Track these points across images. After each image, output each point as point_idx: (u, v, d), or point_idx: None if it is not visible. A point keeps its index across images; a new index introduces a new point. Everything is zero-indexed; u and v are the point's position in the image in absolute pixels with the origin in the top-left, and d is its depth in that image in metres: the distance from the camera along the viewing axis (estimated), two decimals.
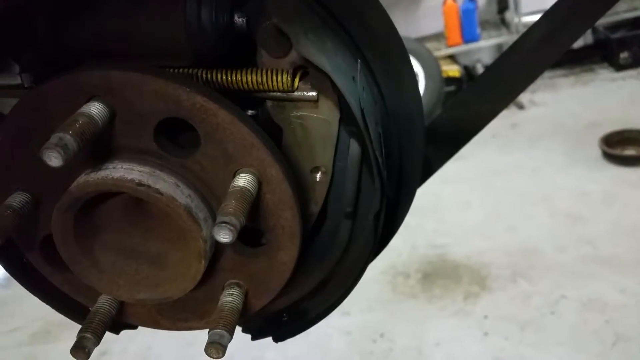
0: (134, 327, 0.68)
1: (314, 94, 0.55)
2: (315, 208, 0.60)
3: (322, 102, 0.55)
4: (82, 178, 0.52)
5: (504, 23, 4.76)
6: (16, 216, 0.54)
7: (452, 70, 4.66)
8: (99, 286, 0.59)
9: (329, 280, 0.65)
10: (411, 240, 3.08)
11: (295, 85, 0.55)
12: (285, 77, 0.53)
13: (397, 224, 0.72)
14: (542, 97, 4.42)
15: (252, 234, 0.58)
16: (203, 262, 0.54)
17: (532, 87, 4.64)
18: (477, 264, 2.75)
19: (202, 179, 0.54)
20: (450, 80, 4.53)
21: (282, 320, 0.70)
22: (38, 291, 0.67)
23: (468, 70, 4.70)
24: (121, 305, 0.62)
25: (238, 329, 0.67)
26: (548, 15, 0.79)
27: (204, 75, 0.54)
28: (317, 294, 0.66)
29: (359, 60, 0.57)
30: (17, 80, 0.56)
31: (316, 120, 0.56)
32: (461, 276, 2.72)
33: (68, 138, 0.45)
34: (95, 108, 0.49)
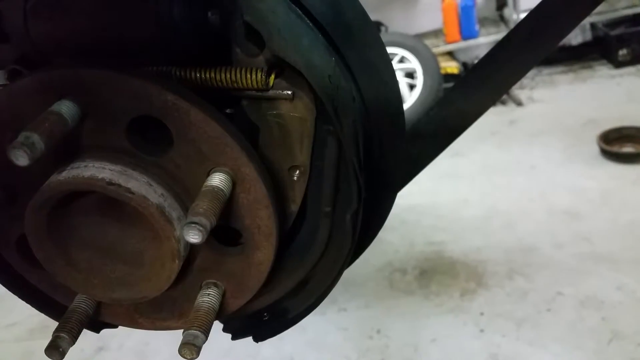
0: (114, 326, 0.68)
1: (289, 92, 0.54)
2: (294, 207, 0.59)
3: (298, 100, 0.55)
4: (53, 177, 0.51)
5: (502, 20, 4.75)
6: None
7: (451, 66, 4.66)
8: (74, 285, 0.58)
9: (309, 280, 0.65)
10: (409, 237, 3.08)
11: (270, 83, 0.54)
12: (259, 75, 0.53)
13: (379, 224, 0.71)
14: (540, 93, 4.40)
15: (229, 233, 0.57)
16: (177, 261, 0.54)
17: (530, 83, 4.64)
18: (474, 260, 2.75)
19: (175, 177, 0.53)
20: (449, 76, 4.53)
21: (263, 319, 0.69)
22: (16, 289, 0.66)
23: (467, 67, 4.69)
24: (99, 304, 0.62)
25: (219, 327, 0.67)
26: (535, 12, 0.79)
27: (177, 73, 0.53)
28: (297, 294, 0.66)
29: (333, 58, 0.56)
30: None
31: (292, 118, 0.55)
32: (458, 273, 2.72)
33: (35, 137, 0.44)
34: (65, 107, 0.48)
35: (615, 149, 3.27)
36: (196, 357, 0.53)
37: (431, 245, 2.97)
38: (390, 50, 4.35)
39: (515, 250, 2.71)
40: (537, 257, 2.63)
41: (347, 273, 2.37)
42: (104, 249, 0.58)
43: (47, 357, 0.56)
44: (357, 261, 2.69)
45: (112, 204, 0.54)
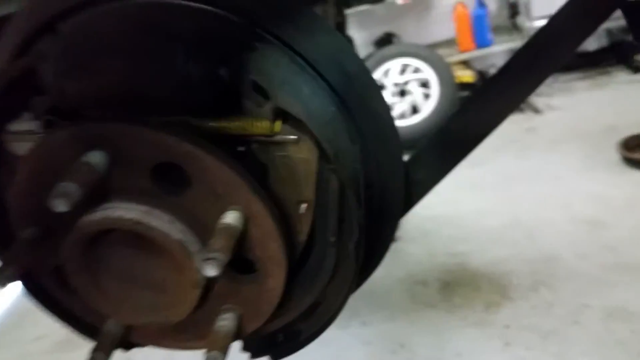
0: (143, 345, 0.73)
1: (293, 137, 0.60)
2: (302, 237, 0.65)
3: (302, 143, 0.60)
4: (87, 217, 0.57)
5: (516, 28, 4.74)
6: (30, 249, 0.59)
7: (466, 75, 4.66)
8: (107, 311, 0.65)
9: (319, 304, 0.71)
10: (429, 248, 3.07)
11: (276, 129, 0.60)
12: (265, 123, 0.59)
13: (383, 250, 0.79)
14: (558, 101, 4.37)
15: (244, 262, 0.63)
16: (197, 290, 0.61)
17: (547, 91, 4.61)
18: (497, 272, 2.73)
19: (194, 215, 0.59)
20: (464, 85, 4.53)
21: (278, 340, 0.76)
22: (54, 311, 0.74)
23: (482, 75, 4.69)
24: (129, 327, 0.67)
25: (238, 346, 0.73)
26: (549, 24, 0.81)
27: (194, 123, 0.59)
28: (309, 316, 0.72)
29: (333, 108, 0.63)
30: (29, 127, 0.60)
31: (298, 159, 0.61)
32: (481, 285, 2.70)
33: (72, 186, 0.50)
34: (95, 157, 0.54)
35: (637, 156, 3.23)
36: None
37: (453, 256, 2.95)
38: (404, 60, 4.38)
39: (539, 261, 2.69)
40: (561, 268, 2.60)
41: (369, 285, 2.36)
42: (132, 278, 0.64)
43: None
44: (379, 273, 2.68)
45: (139, 239, 0.59)
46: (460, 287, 2.72)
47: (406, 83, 4.40)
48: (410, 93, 4.38)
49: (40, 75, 0.59)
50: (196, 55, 0.56)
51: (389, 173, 0.73)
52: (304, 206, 0.64)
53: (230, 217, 0.57)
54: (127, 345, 0.76)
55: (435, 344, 2.43)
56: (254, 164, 0.62)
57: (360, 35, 5.10)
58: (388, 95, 4.41)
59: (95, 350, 0.66)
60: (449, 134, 0.87)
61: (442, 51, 4.75)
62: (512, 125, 4.22)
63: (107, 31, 0.60)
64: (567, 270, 2.58)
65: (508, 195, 3.31)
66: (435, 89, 4.28)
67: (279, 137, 0.60)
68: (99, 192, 0.58)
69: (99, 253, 0.62)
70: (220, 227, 0.56)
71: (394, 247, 3.07)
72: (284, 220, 0.63)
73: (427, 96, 4.33)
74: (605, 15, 0.80)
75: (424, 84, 4.36)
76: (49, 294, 0.71)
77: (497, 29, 4.84)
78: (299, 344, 0.76)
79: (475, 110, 0.86)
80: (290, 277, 0.66)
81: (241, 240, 0.59)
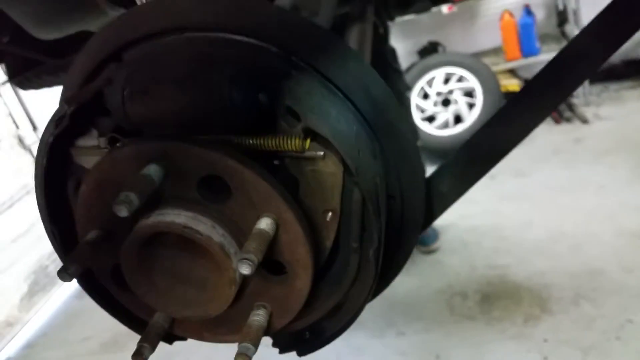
0: (184, 339, 0.81)
1: (321, 153, 0.67)
2: (328, 244, 0.70)
3: (328, 158, 0.67)
4: (143, 222, 0.65)
5: (564, 36, 4.64)
6: (92, 249, 0.67)
7: (512, 84, 4.60)
8: (156, 305, 0.73)
9: (342, 304, 0.76)
10: (470, 260, 3.05)
11: (306, 147, 0.66)
12: (297, 141, 0.66)
13: (403, 258, 0.82)
14: (607, 110, 4.25)
15: (276, 264, 0.69)
16: (234, 287, 0.67)
17: (597, 100, 4.49)
18: (539, 285, 2.69)
19: (233, 221, 0.66)
20: (510, 94, 4.47)
21: (305, 337, 0.81)
22: (108, 308, 0.82)
23: None
24: (173, 320, 0.76)
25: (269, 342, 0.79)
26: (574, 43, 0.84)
27: (236, 141, 0.67)
28: (333, 316, 0.77)
29: (355, 127, 0.69)
30: (96, 142, 0.69)
31: (325, 172, 0.68)
32: (522, 298, 2.66)
33: (133, 195, 0.58)
34: (153, 170, 0.63)
35: None
36: None
37: (493, 268, 2.93)
38: (448, 69, 4.37)
39: (582, 275, 2.63)
40: (605, 282, 2.54)
41: (406, 296, 2.39)
42: (179, 276, 0.71)
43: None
44: (417, 284, 2.70)
45: (186, 241, 0.66)
46: (499, 300, 2.70)
47: (450, 92, 4.38)
48: (454, 102, 4.36)
49: (106, 98, 0.67)
50: (239, 82, 0.63)
51: (410, 187, 0.77)
52: (330, 215, 0.69)
53: (264, 224, 0.64)
54: (171, 338, 0.83)
55: (472, 357, 2.42)
56: (287, 176, 0.69)
57: (405, 44, 5.11)
58: (430, 105, 4.41)
59: (142, 341, 0.72)
60: (473, 148, 0.91)
61: (488, 60, 4.70)
62: (559, 136, 4.13)
63: (164, 61, 0.69)
64: (611, 284, 2.52)
65: (552, 206, 3.25)
66: (479, 98, 4.24)
67: (308, 154, 0.67)
68: (154, 200, 0.66)
69: (151, 253, 0.69)
70: (255, 232, 0.63)
71: (433, 258, 3.08)
72: (312, 227, 0.68)
73: (471, 105, 4.29)
74: (631, 33, 0.82)
75: (469, 93, 4.33)
76: (105, 291, 0.79)
77: (545, 37, 4.75)
78: (323, 341, 0.81)
79: (499, 127, 0.89)
80: (317, 279, 0.72)
81: (273, 244, 0.65)
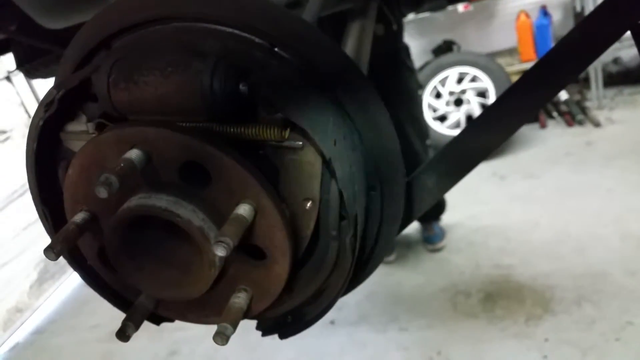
0: (171, 320, 0.84)
1: (299, 143, 0.68)
2: (308, 232, 0.72)
3: (307, 148, 0.68)
4: (125, 205, 0.67)
5: None
6: (78, 230, 0.70)
7: None
8: (140, 285, 0.75)
9: (323, 290, 0.78)
10: (475, 259, 3.06)
11: (285, 136, 0.67)
12: (276, 130, 0.67)
13: (383, 248, 0.83)
14: (620, 114, 4.21)
15: (257, 250, 0.71)
16: (213, 270, 0.69)
17: (610, 104, 4.45)
18: (542, 285, 2.69)
19: (213, 206, 0.68)
20: None
21: (287, 321, 0.83)
22: (96, 288, 0.85)
23: None
24: (158, 302, 0.77)
25: (252, 325, 0.81)
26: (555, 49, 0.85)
27: (216, 129, 0.68)
28: (314, 301, 0.79)
29: (330, 118, 0.70)
30: (84, 128, 0.73)
31: (303, 162, 0.69)
32: (525, 298, 2.67)
33: (113, 178, 0.60)
34: (134, 154, 0.65)
35: None
36: (225, 344, 0.66)
37: (498, 268, 2.94)
38: (461, 69, 4.36)
39: (585, 276, 2.63)
40: (608, 285, 2.53)
41: (411, 293, 2.41)
42: (163, 258, 0.74)
43: (118, 340, 0.72)
44: (422, 281, 2.73)
45: (169, 225, 0.68)
46: (502, 299, 2.71)
47: (463, 92, 4.37)
48: (467, 102, 4.35)
49: (93, 85, 0.69)
50: (221, 71, 0.65)
51: (389, 179, 0.78)
52: (309, 204, 0.70)
53: (242, 209, 0.65)
54: (157, 319, 0.85)
55: (473, 353, 2.44)
56: (267, 165, 0.70)
57: (420, 42, 5.10)
58: (443, 104, 4.41)
59: (127, 319, 0.74)
60: (458, 146, 0.93)
61: (502, 60, 4.68)
62: (570, 138, 4.10)
63: (149, 49, 0.71)
64: (613, 286, 2.51)
65: (559, 208, 3.24)
66: (492, 99, 4.22)
67: (287, 143, 0.68)
68: (136, 184, 0.68)
69: (136, 236, 0.72)
70: (232, 217, 0.64)
71: (439, 257, 3.11)
72: (292, 215, 0.70)
73: (483, 106, 4.28)
74: (613, 39, 0.83)
75: (481, 94, 4.32)
76: (93, 271, 0.82)
77: None
78: (303, 325, 0.83)
79: (483, 128, 0.92)
80: (298, 266, 0.73)
81: (251, 230, 0.67)
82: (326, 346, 2.67)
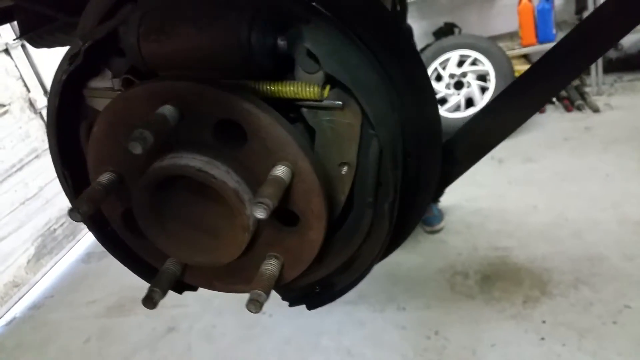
0: (194, 289, 0.81)
1: (339, 102, 0.65)
2: (343, 197, 0.69)
3: (347, 109, 0.65)
4: (156, 164, 0.65)
5: None
6: (104, 190, 0.67)
7: (525, 69, 4.55)
8: (167, 249, 0.72)
9: (354, 260, 0.75)
10: (472, 241, 3.07)
11: (325, 95, 0.65)
12: (315, 88, 0.64)
13: (415, 220, 0.81)
14: (619, 100, 4.21)
15: (289, 216, 0.68)
16: (247, 234, 0.66)
17: (609, 90, 4.45)
18: (539, 268, 2.71)
19: (248, 167, 0.65)
20: None
21: (315, 291, 0.81)
22: (118, 254, 0.82)
23: None
24: (184, 268, 0.75)
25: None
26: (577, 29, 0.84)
27: (253, 86, 0.65)
28: (345, 271, 0.77)
29: (374, 76, 0.66)
30: (109, 84, 0.69)
31: (342, 124, 0.66)
32: (522, 280, 2.68)
33: (147, 133, 0.57)
34: (167, 110, 0.62)
35: None
36: (259, 311, 0.64)
37: (495, 250, 2.95)
38: (462, 52, 4.32)
39: (583, 260, 2.65)
40: (605, 268, 2.55)
41: (409, 273, 2.42)
42: (192, 221, 0.71)
43: (144, 307, 0.69)
44: (420, 262, 2.73)
45: (200, 186, 0.66)
46: (500, 281, 2.72)
47: (463, 75, 4.34)
48: (467, 85, 4.33)
49: (121, 38, 0.66)
50: (258, 24, 0.61)
51: (427, 144, 0.75)
52: (345, 168, 0.67)
53: (280, 171, 0.62)
54: (182, 287, 0.83)
55: (470, 334, 2.46)
56: (304, 126, 0.67)
57: (421, 24, 5.05)
58: (443, 87, 4.39)
59: (153, 285, 0.72)
60: (490, 116, 0.91)
61: (503, 44, 4.64)
62: (569, 123, 4.10)
63: (182, 1, 0.66)
64: (611, 270, 2.54)
65: (558, 192, 3.25)
66: (492, 82, 4.20)
67: (326, 103, 0.65)
68: (168, 143, 0.65)
69: (164, 198, 0.69)
70: (270, 178, 0.62)
71: (437, 238, 3.11)
72: (327, 180, 0.67)
73: (484, 90, 4.26)
74: (626, 30, 0.81)
75: (482, 77, 4.29)
76: (115, 238, 0.79)
77: (563, 25, 4.68)
78: (332, 295, 0.81)
79: (515, 99, 0.90)
80: (330, 233, 0.70)
81: (287, 193, 0.64)
82: (324, 324, 2.67)
